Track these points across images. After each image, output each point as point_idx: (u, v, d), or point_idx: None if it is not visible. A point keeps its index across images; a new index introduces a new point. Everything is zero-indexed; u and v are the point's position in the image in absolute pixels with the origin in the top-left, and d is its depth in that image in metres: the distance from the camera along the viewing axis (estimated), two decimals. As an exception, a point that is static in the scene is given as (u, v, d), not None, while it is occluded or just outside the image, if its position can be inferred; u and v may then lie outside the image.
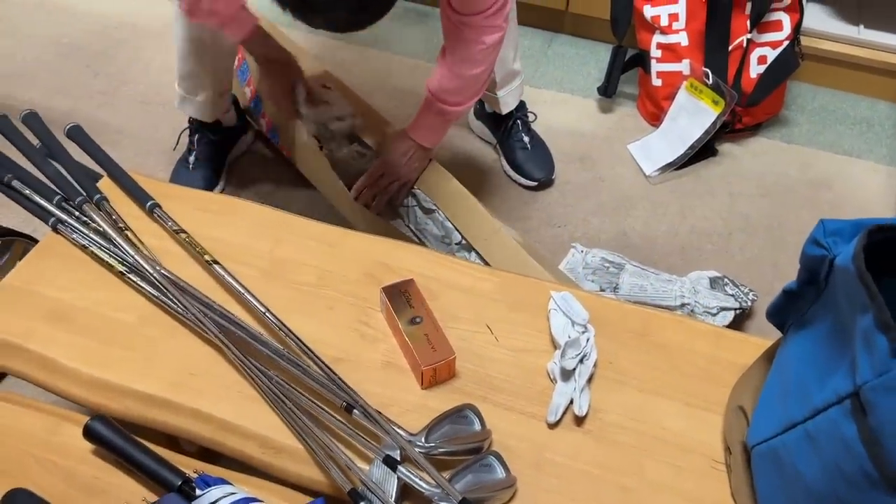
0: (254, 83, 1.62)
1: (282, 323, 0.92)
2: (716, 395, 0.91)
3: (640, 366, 0.95)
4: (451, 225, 1.38)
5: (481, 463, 0.83)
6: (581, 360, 0.92)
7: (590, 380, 0.93)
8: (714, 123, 1.68)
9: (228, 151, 1.64)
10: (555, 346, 0.94)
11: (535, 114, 1.72)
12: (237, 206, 1.10)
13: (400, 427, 0.85)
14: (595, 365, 0.93)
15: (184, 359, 0.92)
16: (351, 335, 0.96)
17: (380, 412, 0.85)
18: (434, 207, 1.39)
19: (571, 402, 0.89)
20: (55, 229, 1.03)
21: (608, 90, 1.84)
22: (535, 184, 1.66)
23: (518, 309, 1.00)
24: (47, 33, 2.01)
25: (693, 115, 1.71)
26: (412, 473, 0.80)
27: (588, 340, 0.93)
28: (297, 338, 0.91)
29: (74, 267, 1.00)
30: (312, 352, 0.89)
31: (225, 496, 0.76)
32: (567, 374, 0.91)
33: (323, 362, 0.88)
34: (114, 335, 0.94)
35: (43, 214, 1.03)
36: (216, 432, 0.87)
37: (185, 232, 1.02)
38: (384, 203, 1.41)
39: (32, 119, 1.15)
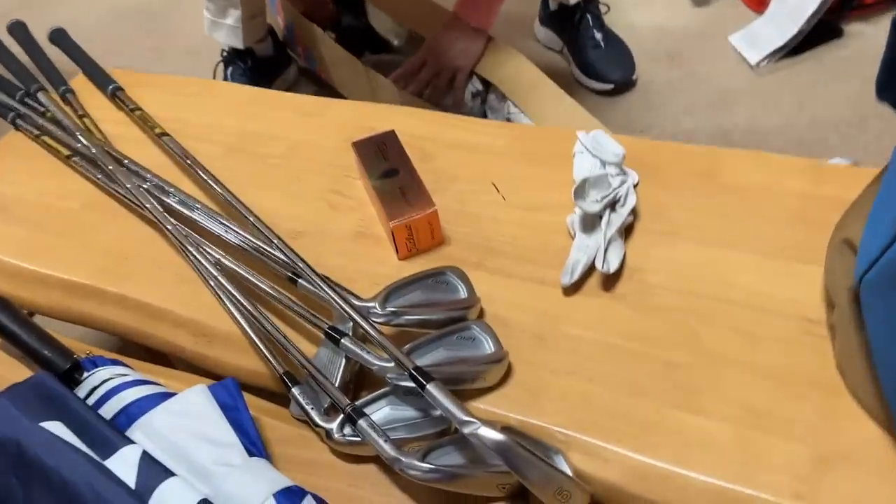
0: (283, 11, 1.48)
1: (225, 190, 0.74)
2: (811, 241, 0.63)
3: (702, 214, 0.68)
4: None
5: (460, 335, 0.60)
6: (612, 207, 0.67)
7: (626, 232, 0.67)
8: (832, -9, 1.35)
9: (266, 85, 1.50)
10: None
11: (607, 5, 1.46)
12: (212, 86, 0.94)
13: (351, 292, 0.64)
14: (633, 214, 0.68)
15: (120, 243, 0.76)
16: (318, 206, 0.76)
17: (327, 278, 0.64)
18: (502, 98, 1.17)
19: (595, 258, 0.64)
20: (15, 125, 0.91)
21: (700, -23, 1.55)
22: (612, 86, 1.40)
23: (535, 163, 0.76)
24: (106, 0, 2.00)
25: (806, -15, 1.39)
26: (360, 347, 0.58)
27: (623, 183, 0.68)
28: (242, 205, 0.72)
29: (26, 161, 0.87)
30: (258, 219, 0.70)
31: (112, 377, 0.58)
32: (590, 223, 0.66)
33: (269, 229, 0.69)
34: (52, 224, 0.79)
35: (3, 111, 0.92)
36: (144, 321, 0.70)
37: (140, 109, 0.87)
38: (438, 96, 1.21)
39: (17, 29, 1.05)
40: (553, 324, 0.62)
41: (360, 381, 0.62)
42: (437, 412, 0.56)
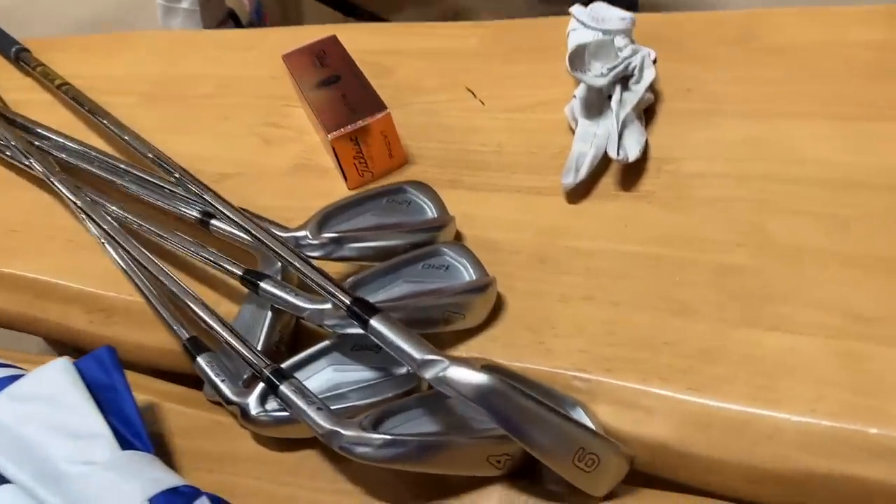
0: None
1: (131, 135, 0.58)
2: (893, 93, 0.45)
3: (746, 84, 0.51)
4: None
5: (427, 262, 0.43)
6: (624, 84, 0.50)
7: (646, 117, 0.50)
8: None
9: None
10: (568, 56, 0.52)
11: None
12: (129, 38, 0.79)
13: (275, 223, 0.47)
14: (653, 92, 0.51)
15: (6, 214, 0.60)
16: (249, 142, 0.60)
17: (245, 210, 0.47)
18: None
19: (607, 148, 0.47)
20: None
21: None
22: None
23: (519, 59, 0.59)
24: (72, 13, 1.89)
25: None
26: (284, 290, 0.41)
27: (636, 53, 0.51)
28: (147, 146, 0.56)
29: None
30: (162, 160, 0.54)
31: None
32: (596, 106, 0.49)
33: (179, 169, 0.53)
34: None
35: None
36: (32, 303, 0.54)
37: (42, 65, 0.72)
38: None
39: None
40: (557, 239, 0.45)
41: (300, 341, 0.45)
42: (402, 369, 0.39)
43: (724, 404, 0.36)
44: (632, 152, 0.46)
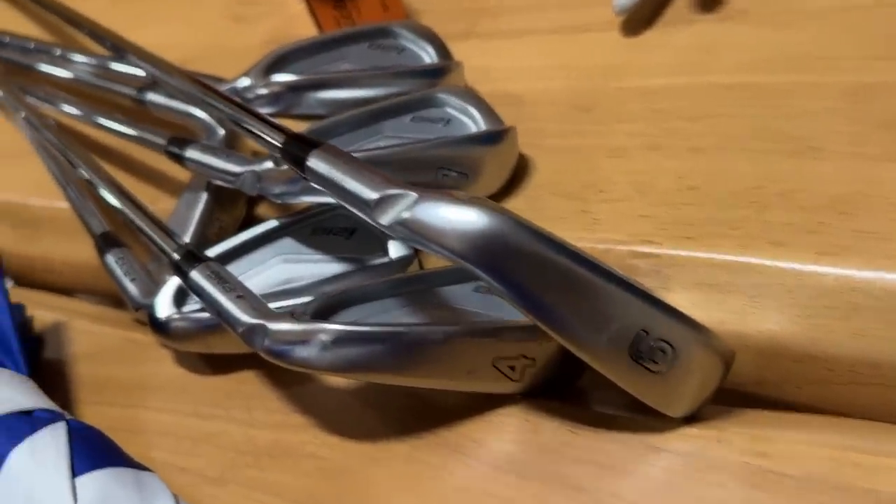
0: None
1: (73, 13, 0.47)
2: None
3: None
4: None
5: (418, 112, 0.30)
6: None
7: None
8: None
9: None
10: None
11: None
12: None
13: (222, 80, 0.35)
14: None
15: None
16: (218, 25, 0.48)
17: (191, 73, 0.36)
18: None
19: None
20: None
21: None
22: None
23: None
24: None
25: None
26: (213, 153, 0.30)
27: None
28: (87, 21, 0.45)
29: None
30: (91, 25, 0.43)
31: None
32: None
33: (116, 37, 0.41)
34: None
35: None
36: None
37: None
38: None
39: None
40: (609, 80, 0.32)
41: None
42: (382, 258, 0.27)
43: (880, 273, 0.22)
44: (711, -47, 0.32)
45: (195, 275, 0.25)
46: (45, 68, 0.44)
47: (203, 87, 0.30)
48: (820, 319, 0.22)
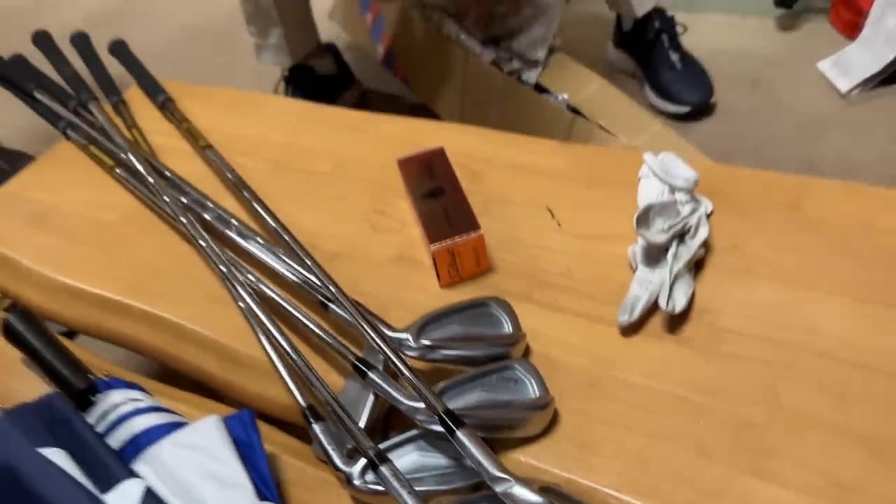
0: (387, 40, 1.44)
1: (263, 207, 0.70)
2: (914, 285, 0.54)
3: (784, 250, 0.60)
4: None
5: (500, 375, 0.54)
6: (681, 238, 0.60)
7: (696, 268, 0.60)
8: (937, 12, 1.24)
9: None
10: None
11: (684, 26, 1.39)
12: (260, 100, 0.91)
13: (383, 321, 0.58)
14: (704, 247, 0.61)
15: (154, 259, 0.72)
16: (360, 226, 0.71)
17: (360, 304, 0.59)
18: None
19: (658, 297, 0.57)
20: (65, 135, 0.90)
21: (787, 0, 1.45)
22: (688, 109, 1.32)
23: (596, 186, 0.70)
24: (179, 20, 2.04)
25: (905, 7, 1.28)
26: (388, 383, 0.53)
27: (694, 212, 0.61)
28: (279, 223, 0.68)
29: (72, 170, 0.85)
30: (294, 239, 0.66)
31: (124, 402, 0.54)
32: (654, 256, 0.59)
33: (303, 250, 0.64)
34: (88, 235, 0.77)
35: (55, 119, 0.91)
36: (172, 342, 0.66)
37: (188, 122, 0.85)
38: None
39: (78, 40, 1.05)
40: (608, 368, 0.55)
41: (392, 420, 0.56)
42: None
43: (721, 538, 0.46)
44: (679, 305, 0.56)
45: (384, 471, 0.48)
46: (250, 248, 0.67)
47: (375, 331, 0.53)
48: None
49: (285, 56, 1.38)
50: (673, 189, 0.62)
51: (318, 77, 1.45)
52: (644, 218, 0.58)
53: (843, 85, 1.33)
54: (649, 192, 0.64)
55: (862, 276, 0.57)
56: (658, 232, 0.58)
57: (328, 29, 1.56)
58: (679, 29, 1.37)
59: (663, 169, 0.64)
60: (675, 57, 1.35)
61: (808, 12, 1.51)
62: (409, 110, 1.50)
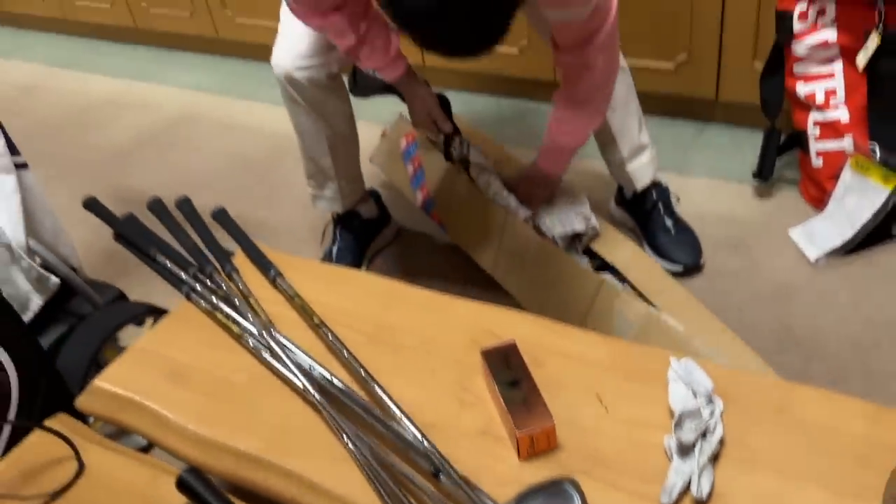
0: (428, 188, 1.65)
1: (375, 382, 0.90)
2: (874, 482, 0.75)
3: (777, 446, 0.81)
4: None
5: (552, 482, 0.73)
6: (703, 435, 0.80)
7: (714, 459, 0.80)
8: (886, 203, 1.50)
9: (369, 243, 1.69)
10: (673, 419, 0.83)
11: (678, 196, 1.64)
12: (349, 275, 1.12)
13: (488, 497, 0.77)
14: (721, 443, 0.81)
15: (282, 418, 0.91)
16: (449, 401, 0.91)
17: (467, 480, 0.78)
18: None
19: (690, 483, 0.77)
20: (188, 297, 1.09)
21: (763, 173, 1.72)
22: (681, 269, 1.56)
23: (633, 378, 0.90)
24: (225, 149, 2.24)
25: (861, 194, 1.54)
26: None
27: (712, 413, 0.82)
28: (392, 400, 0.87)
29: (199, 331, 1.04)
30: (406, 415, 0.85)
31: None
32: (686, 450, 0.80)
33: (415, 426, 0.84)
34: (223, 394, 0.95)
35: (178, 283, 1.10)
36: (303, 493, 0.84)
37: (300, 297, 1.05)
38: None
39: (184, 204, 1.25)
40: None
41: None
42: None
43: None
44: (705, 491, 0.76)
45: None
46: (363, 414, 0.86)
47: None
48: None
49: (338, 205, 1.60)
50: (695, 393, 0.83)
51: (362, 220, 1.66)
52: (679, 422, 0.79)
53: (812, 253, 1.58)
54: (678, 394, 0.85)
55: (836, 473, 0.77)
56: (689, 432, 0.79)
57: (368, 170, 1.77)
58: (673, 199, 1.62)
59: (686, 375, 0.85)
60: (669, 223, 1.59)
61: (780, 181, 1.78)
62: (441, 249, 1.72)
